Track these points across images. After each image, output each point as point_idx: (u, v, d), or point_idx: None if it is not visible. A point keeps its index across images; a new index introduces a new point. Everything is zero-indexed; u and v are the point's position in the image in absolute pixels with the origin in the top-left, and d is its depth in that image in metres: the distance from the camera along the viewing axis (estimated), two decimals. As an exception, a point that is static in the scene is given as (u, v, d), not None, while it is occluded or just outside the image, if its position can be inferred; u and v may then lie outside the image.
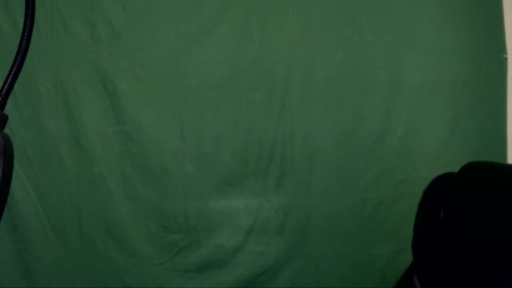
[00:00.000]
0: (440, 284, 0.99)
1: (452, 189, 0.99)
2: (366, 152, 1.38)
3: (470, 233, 0.95)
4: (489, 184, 0.94)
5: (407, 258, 1.09)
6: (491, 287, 0.88)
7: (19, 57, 0.50)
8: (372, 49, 1.36)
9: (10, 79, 0.50)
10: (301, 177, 1.36)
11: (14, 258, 1.26)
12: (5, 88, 0.49)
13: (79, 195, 1.28)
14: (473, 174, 0.99)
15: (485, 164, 1.01)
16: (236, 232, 1.34)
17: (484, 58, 1.41)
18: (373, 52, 1.36)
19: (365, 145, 1.38)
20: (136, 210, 1.30)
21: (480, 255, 0.92)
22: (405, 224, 1.33)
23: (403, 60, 1.38)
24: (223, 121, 1.32)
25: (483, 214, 0.93)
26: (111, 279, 1.29)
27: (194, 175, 1.31)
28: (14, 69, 0.50)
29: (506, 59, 1.42)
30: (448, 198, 0.99)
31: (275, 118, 1.34)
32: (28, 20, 0.50)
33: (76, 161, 1.27)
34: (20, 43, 0.50)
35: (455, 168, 1.00)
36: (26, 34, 0.50)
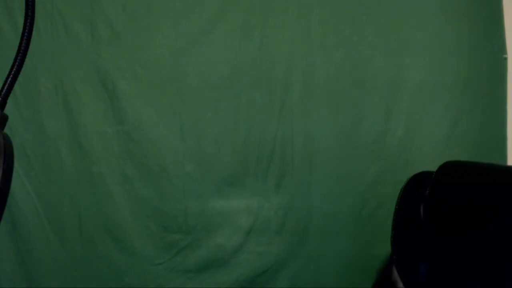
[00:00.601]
0: (420, 279, 1.02)
1: (430, 187, 1.02)
2: (366, 152, 1.38)
3: (451, 232, 0.98)
4: (466, 183, 0.97)
5: (407, 258, 1.09)
6: (476, 287, 0.89)
7: (19, 57, 0.50)
8: (372, 49, 1.36)
9: (10, 79, 0.50)
10: (301, 177, 1.36)
11: (14, 258, 1.26)
12: (5, 88, 0.50)
13: (79, 195, 1.27)
14: (450, 173, 1.02)
15: (462, 163, 1.04)
16: (236, 232, 1.34)
17: (484, 58, 1.41)
18: (373, 52, 1.36)
19: (365, 145, 1.38)
20: (136, 210, 1.30)
21: (463, 254, 0.95)
22: (405, 224, 1.33)
23: (403, 60, 1.38)
24: (223, 121, 1.32)
25: (462, 212, 0.95)
26: (111, 279, 1.29)
27: (194, 175, 1.31)
28: (14, 69, 0.50)
29: (506, 59, 1.42)
30: (426, 196, 1.02)
31: (275, 118, 1.34)
32: (28, 20, 0.50)
33: (76, 161, 1.27)
34: (20, 43, 0.50)
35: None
36: (26, 34, 0.50)
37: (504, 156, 1.43)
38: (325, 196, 1.37)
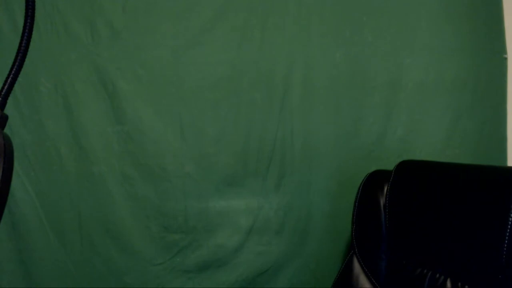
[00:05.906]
0: (382, 273, 1.07)
1: (389, 184, 1.08)
2: (366, 152, 1.38)
3: (410, 228, 1.02)
4: (424, 181, 1.01)
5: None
6: (435, 284, 0.92)
7: (19, 57, 0.50)
8: (372, 49, 1.36)
9: (10, 79, 0.50)
10: (301, 177, 1.36)
11: (14, 258, 1.26)
12: (5, 88, 0.50)
13: (79, 195, 1.27)
14: (408, 171, 1.07)
15: (419, 162, 1.09)
16: (236, 232, 1.35)
17: (484, 58, 1.41)
18: (373, 52, 1.36)
19: (365, 145, 1.38)
20: (136, 210, 1.30)
21: (422, 250, 0.98)
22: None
23: (403, 60, 1.38)
24: (223, 121, 1.32)
25: (419, 209, 0.99)
26: (111, 279, 1.29)
27: (194, 175, 1.31)
28: (14, 69, 0.50)
29: (506, 59, 1.42)
30: (384, 193, 1.09)
31: (275, 118, 1.34)
32: (28, 20, 0.50)
33: (76, 161, 1.27)
34: (20, 43, 0.50)
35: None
36: (26, 34, 0.50)
37: (504, 156, 1.44)
38: (325, 196, 1.38)
